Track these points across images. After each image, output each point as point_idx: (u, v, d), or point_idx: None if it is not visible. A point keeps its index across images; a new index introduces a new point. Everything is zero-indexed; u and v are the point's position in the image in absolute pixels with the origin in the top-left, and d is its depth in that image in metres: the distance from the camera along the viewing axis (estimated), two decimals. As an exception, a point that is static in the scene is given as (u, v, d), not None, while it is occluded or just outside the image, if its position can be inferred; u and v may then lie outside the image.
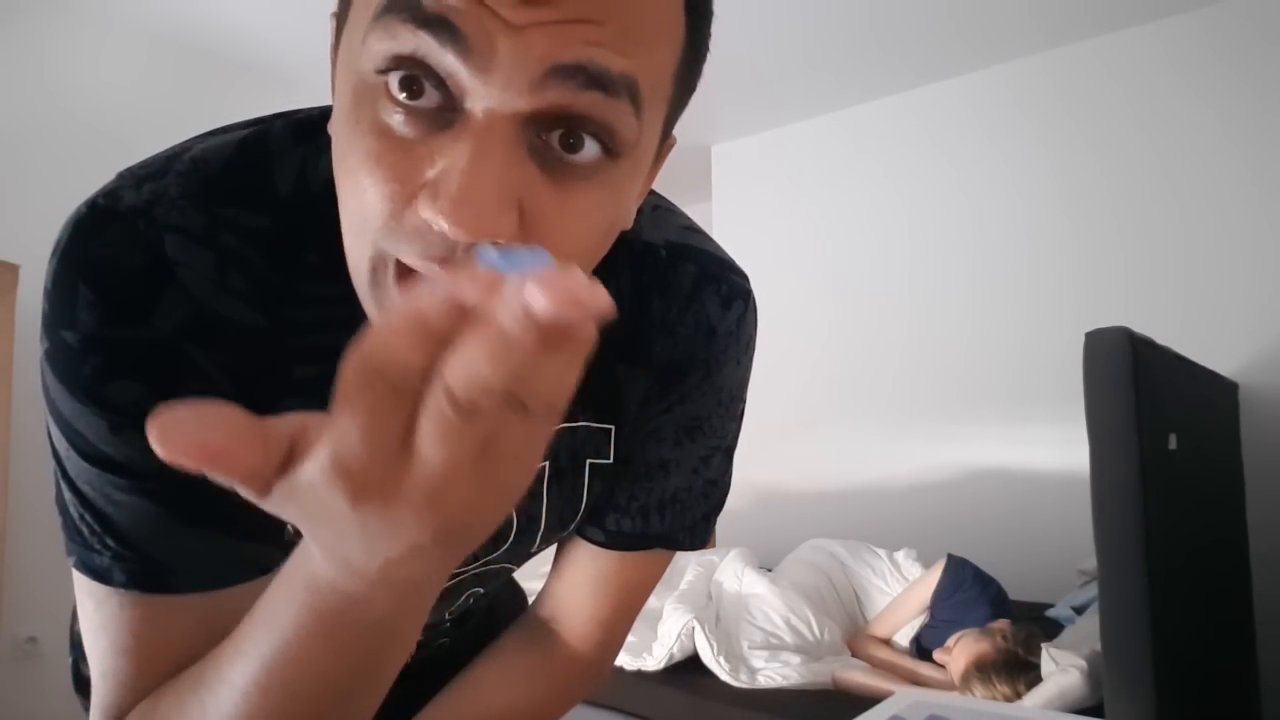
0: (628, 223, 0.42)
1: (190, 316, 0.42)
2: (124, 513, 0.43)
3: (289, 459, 0.26)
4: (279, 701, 0.36)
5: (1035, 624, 2.08)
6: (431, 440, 0.24)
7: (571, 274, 0.23)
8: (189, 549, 0.44)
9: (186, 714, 0.40)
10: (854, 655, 2.27)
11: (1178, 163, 2.72)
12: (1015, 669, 1.78)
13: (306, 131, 0.46)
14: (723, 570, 2.53)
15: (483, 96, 0.32)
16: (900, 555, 2.50)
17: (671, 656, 2.17)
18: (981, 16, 2.80)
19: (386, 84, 0.33)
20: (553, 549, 0.66)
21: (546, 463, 0.55)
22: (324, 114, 0.46)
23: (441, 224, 0.32)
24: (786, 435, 3.45)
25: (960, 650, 1.93)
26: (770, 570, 2.55)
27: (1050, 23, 2.83)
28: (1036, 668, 1.75)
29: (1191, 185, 2.69)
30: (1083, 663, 1.64)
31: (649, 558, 0.63)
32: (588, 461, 0.57)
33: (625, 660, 2.19)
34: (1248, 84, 2.62)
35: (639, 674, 2.17)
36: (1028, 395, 2.93)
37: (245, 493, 0.26)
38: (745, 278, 0.59)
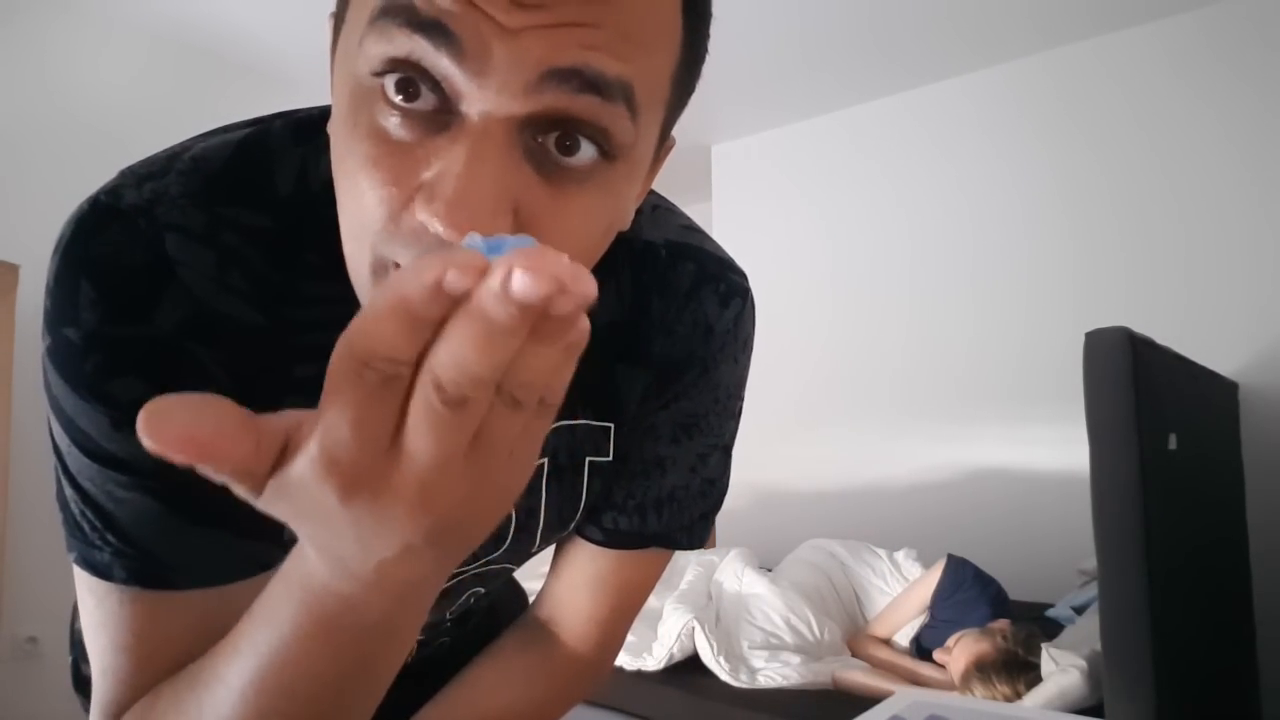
0: (626, 224, 0.42)
1: (191, 315, 0.42)
2: (125, 509, 0.43)
3: (282, 456, 0.26)
4: (276, 702, 0.36)
5: (1035, 624, 2.08)
6: (420, 433, 0.24)
7: (555, 255, 0.22)
8: (189, 546, 0.44)
9: (184, 712, 0.40)
10: (854, 655, 2.27)
11: (1177, 163, 2.72)
12: (1015, 669, 1.78)
13: (306, 131, 0.46)
14: (723, 570, 2.53)
15: (478, 100, 0.32)
16: (900, 555, 2.50)
17: (671, 656, 2.17)
18: (981, 17, 2.80)
19: (383, 86, 0.34)
20: (552, 549, 0.66)
21: (545, 460, 0.55)
22: (324, 114, 0.46)
23: (437, 226, 0.32)
24: (786, 435, 3.45)
25: (960, 650, 1.93)
26: (770, 570, 2.55)
27: (1050, 23, 2.83)
28: (1036, 668, 1.75)
29: (1191, 185, 2.69)
30: (1083, 663, 1.64)
31: (647, 557, 0.63)
32: (587, 459, 0.57)
33: (625, 660, 2.19)
34: (1247, 84, 2.62)
35: (639, 674, 2.17)
36: (1028, 395, 2.93)
37: (237, 489, 0.26)
38: (744, 276, 0.59)
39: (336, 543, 0.28)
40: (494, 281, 0.22)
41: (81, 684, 0.65)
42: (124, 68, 2.81)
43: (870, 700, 1.60)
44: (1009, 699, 1.74)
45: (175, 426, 0.24)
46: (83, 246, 0.41)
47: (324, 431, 0.25)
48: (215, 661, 0.39)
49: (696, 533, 0.63)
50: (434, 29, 0.32)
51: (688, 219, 0.59)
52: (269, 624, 0.35)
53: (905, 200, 3.32)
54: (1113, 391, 1.38)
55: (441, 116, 0.34)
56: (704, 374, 0.58)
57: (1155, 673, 1.32)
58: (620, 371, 0.55)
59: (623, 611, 0.64)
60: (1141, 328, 1.47)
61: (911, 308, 3.26)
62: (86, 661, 0.64)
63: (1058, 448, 2.80)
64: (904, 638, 2.31)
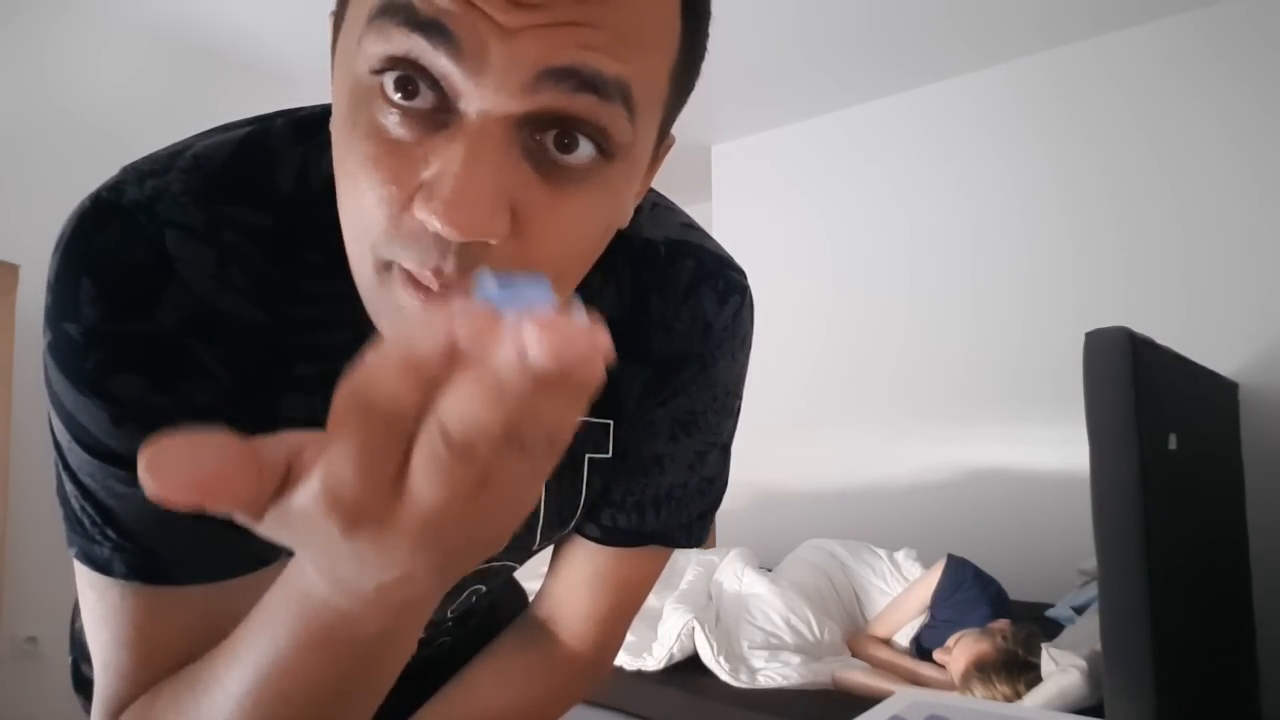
0: (625, 222, 0.42)
1: (191, 312, 0.42)
2: (125, 505, 0.43)
3: (283, 483, 0.25)
4: (274, 710, 0.36)
5: (1035, 624, 2.08)
6: (425, 477, 0.24)
7: (571, 317, 0.22)
8: (189, 541, 0.44)
9: (183, 714, 0.40)
10: (854, 655, 2.27)
11: (1177, 163, 2.72)
12: (1015, 669, 1.78)
13: (307, 129, 0.47)
14: (723, 570, 2.53)
15: (476, 98, 0.33)
16: (900, 555, 2.50)
17: (671, 656, 2.17)
18: (981, 16, 2.80)
19: (382, 85, 0.34)
20: (552, 548, 0.66)
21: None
22: (325, 112, 0.46)
23: (435, 225, 0.32)
24: (786, 435, 3.46)
25: (960, 650, 1.93)
26: (770, 570, 2.55)
27: (1050, 23, 2.83)
28: (1036, 668, 1.75)
29: (1191, 185, 2.70)
30: (1083, 663, 1.64)
31: (646, 555, 0.63)
32: (587, 456, 0.57)
33: (625, 660, 2.19)
34: (1247, 84, 2.62)
35: (639, 674, 2.17)
36: (1027, 395, 2.93)
37: (237, 518, 0.26)
38: (743, 274, 0.59)
39: (336, 566, 0.28)
40: (508, 348, 0.22)
41: (82, 684, 0.65)
42: (124, 67, 2.81)
43: (870, 700, 1.60)
44: (1009, 699, 1.74)
45: (178, 472, 0.23)
46: (84, 243, 0.41)
47: (328, 469, 0.24)
48: (215, 666, 0.39)
49: (695, 531, 0.63)
50: (432, 28, 0.32)
51: (687, 217, 0.59)
52: (268, 633, 0.35)
53: (905, 200, 3.32)
54: (1113, 391, 1.38)
55: (440, 115, 0.34)
56: (702, 371, 0.58)
57: (1155, 673, 1.32)
58: (620, 369, 0.55)
59: (622, 610, 0.64)
60: (1141, 328, 1.47)
61: (911, 308, 3.26)
62: (87, 661, 0.64)
63: (1058, 448, 2.80)
64: (904, 638, 2.31)
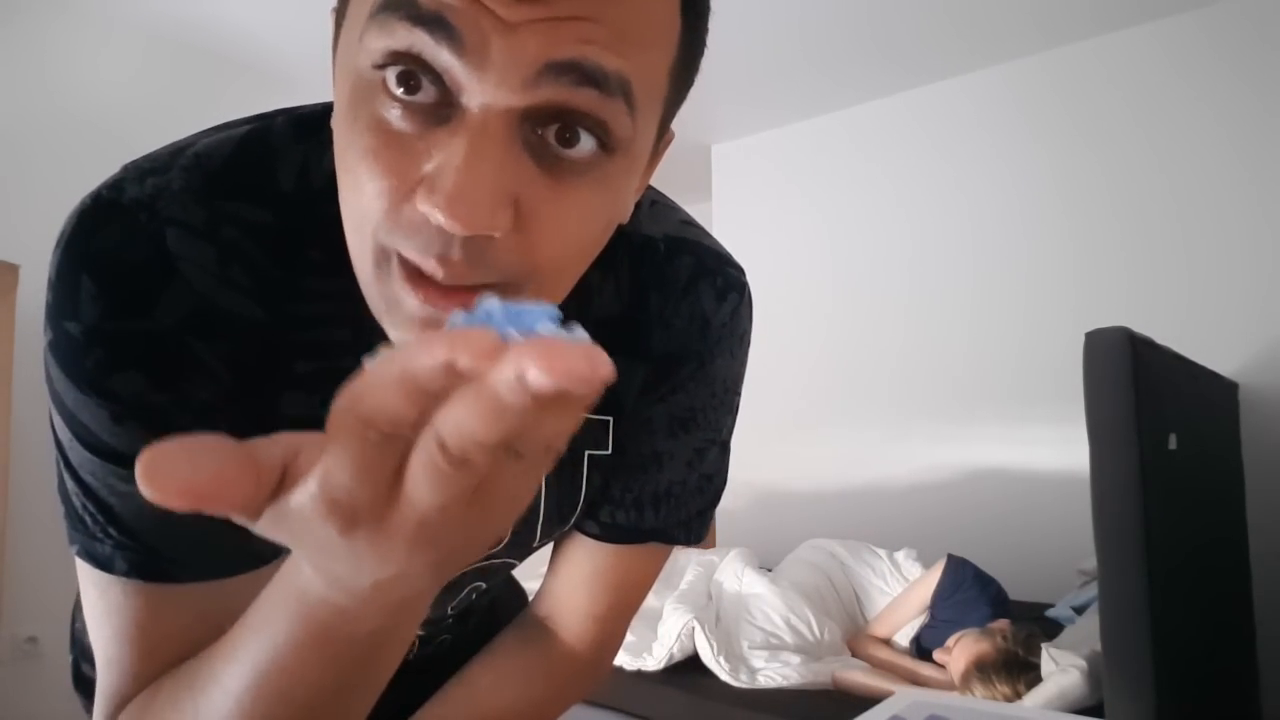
0: (625, 217, 0.42)
1: (192, 310, 0.42)
2: (126, 503, 0.43)
3: (280, 484, 0.26)
4: (272, 707, 0.36)
5: (1035, 624, 2.08)
6: (422, 484, 0.24)
7: (571, 344, 0.22)
8: (190, 539, 0.44)
9: (181, 712, 0.40)
10: (854, 655, 2.27)
11: (1177, 163, 2.72)
12: (1015, 669, 1.78)
13: (309, 127, 0.47)
14: (723, 570, 2.53)
15: (478, 93, 0.33)
16: (900, 555, 2.50)
17: (671, 656, 2.17)
18: (981, 16, 2.80)
19: (384, 79, 0.34)
20: (551, 547, 0.66)
21: None
22: (326, 110, 0.46)
23: (438, 218, 0.32)
24: (786, 435, 3.46)
25: (960, 650, 1.93)
26: (770, 570, 2.55)
27: (1049, 23, 2.83)
28: (1036, 668, 1.75)
29: (1191, 185, 2.70)
30: (1083, 663, 1.64)
31: (645, 553, 0.62)
32: (586, 453, 0.57)
33: (625, 660, 2.19)
34: (1247, 84, 2.62)
35: (639, 674, 2.17)
36: (1027, 395, 2.93)
37: (236, 519, 0.26)
38: (741, 271, 0.59)
39: (333, 565, 0.28)
40: (507, 372, 0.22)
41: (82, 684, 0.65)
42: (123, 67, 2.81)
43: (870, 700, 1.60)
44: (1009, 699, 1.74)
45: (176, 477, 0.23)
46: (84, 241, 0.41)
47: (325, 472, 0.25)
48: (213, 664, 0.39)
49: (694, 529, 0.63)
50: (435, 22, 0.32)
51: (686, 214, 0.59)
52: (265, 631, 0.35)
53: (905, 200, 3.32)
54: (1113, 391, 1.38)
55: (442, 110, 0.34)
56: (701, 368, 0.58)
57: (1155, 673, 1.32)
58: (619, 365, 0.55)
59: (621, 608, 0.64)
60: (1141, 328, 1.47)
61: (911, 308, 3.26)
62: (87, 661, 0.64)
63: (1058, 448, 2.80)
64: (904, 638, 2.31)
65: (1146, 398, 1.39)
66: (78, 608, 0.67)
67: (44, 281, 0.43)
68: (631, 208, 0.43)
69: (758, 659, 2.13)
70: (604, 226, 0.40)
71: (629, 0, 0.34)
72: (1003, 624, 2.02)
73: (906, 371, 3.24)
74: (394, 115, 0.34)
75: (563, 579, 0.64)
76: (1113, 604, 1.37)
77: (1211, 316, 2.60)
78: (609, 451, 0.58)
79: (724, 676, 2.08)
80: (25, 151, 2.58)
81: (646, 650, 2.21)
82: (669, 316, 0.55)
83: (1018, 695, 1.74)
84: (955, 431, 3.10)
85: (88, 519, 0.44)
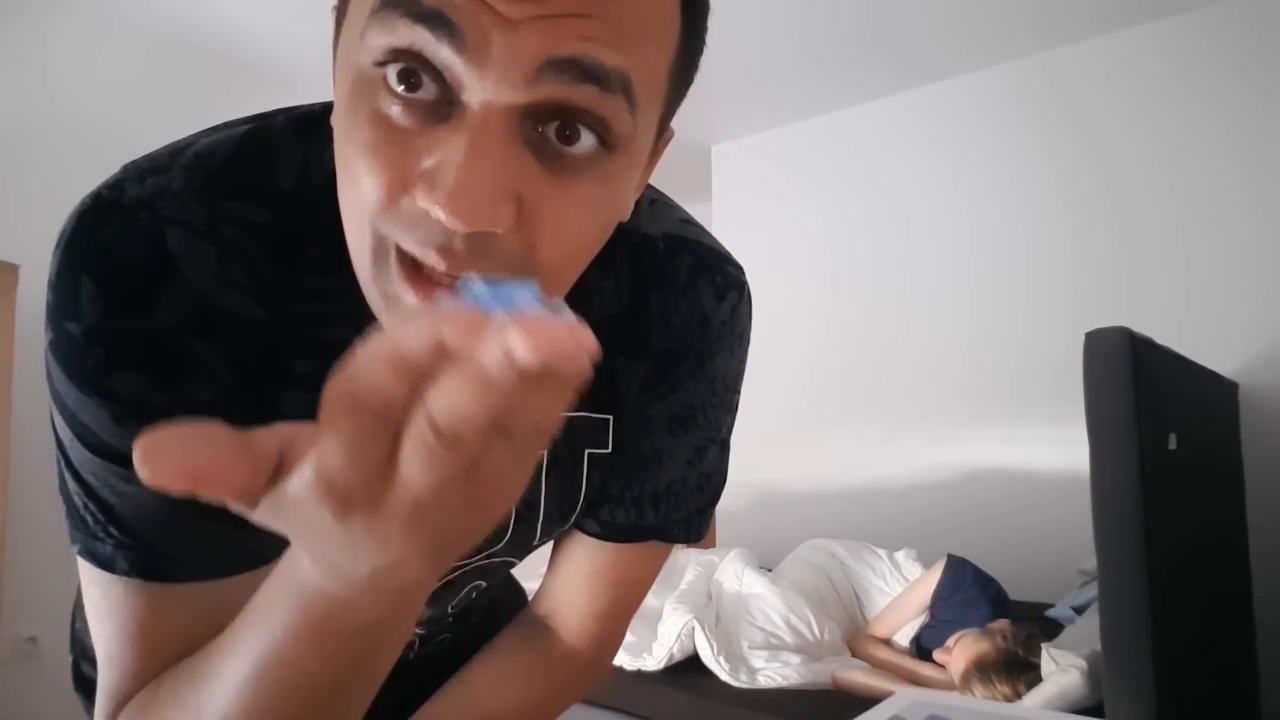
0: (625, 215, 0.42)
1: (192, 309, 0.42)
2: (127, 503, 0.43)
3: (276, 472, 0.26)
4: (272, 699, 0.36)
5: (1035, 624, 2.08)
6: (415, 464, 0.25)
7: (555, 319, 0.23)
8: (191, 539, 0.44)
9: (183, 706, 0.40)
10: (854, 655, 2.27)
11: (1177, 163, 2.72)
12: (1015, 669, 1.78)
13: (308, 126, 0.47)
14: (723, 570, 2.53)
15: (479, 90, 0.33)
16: (900, 555, 2.50)
17: (671, 656, 2.17)
18: (980, 17, 2.80)
19: (384, 76, 0.34)
20: (551, 546, 0.66)
21: (544, 452, 0.55)
22: (326, 109, 0.46)
23: (439, 215, 0.32)
24: (786, 435, 3.46)
25: (960, 650, 1.93)
26: (770, 570, 2.55)
27: (1049, 23, 2.83)
28: (1036, 668, 1.75)
29: (1191, 185, 2.70)
30: (1083, 663, 1.64)
31: (645, 552, 0.63)
32: (586, 451, 0.57)
33: (625, 660, 2.19)
34: (1246, 84, 2.62)
35: (639, 674, 2.17)
36: (1027, 395, 2.93)
37: (233, 506, 0.26)
38: (741, 270, 0.59)
39: (330, 552, 0.28)
40: (495, 347, 0.22)
41: (82, 683, 0.65)
42: (123, 67, 2.81)
43: (870, 700, 1.60)
44: (1009, 699, 1.74)
45: (171, 460, 0.24)
46: (84, 241, 0.41)
47: (320, 457, 0.25)
48: (213, 658, 0.39)
49: (694, 527, 0.63)
50: (436, 19, 0.32)
51: (685, 213, 0.60)
52: (264, 623, 0.35)
53: (905, 200, 3.32)
54: (1113, 391, 1.38)
55: (443, 107, 0.34)
56: (700, 366, 0.58)
57: (1155, 673, 1.32)
58: (619, 364, 0.55)
59: (621, 607, 0.64)
60: (1141, 328, 1.47)
61: (911, 308, 3.26)
62: (87, 661, 0.65)
63: (1058, 448, 2.80)
64: (904, 638, 2.31)
65: (1146, 398, 1.39)
66: (78, 608, 0.67)
67: (44, 281, 0.43)
68: (632, 205, 0.43)
69: (758, 659, 2.13)
70: (605, 223, 0.40)
71: None
72: (1003, 624, 2.02)
73: (906, 371, 3.24)
74: (394, 111, 0.34)
75: (563, 578, 0.64)
76: (1113, 604, 1.37)
77: (1211, 316, 2.60)
78: (609, 450, 0.58)
79: (724, 676, 2.08)
80: (25, 151, 2.58)
81: (646, 650, 2.21)
82: (669, 314, 0.56)
83: (1018, 695, 1.74)
84: (955, 431, 3.10)
85: (89, 519, 0.44)
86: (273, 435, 0.26)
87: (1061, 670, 1.66)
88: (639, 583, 0.64)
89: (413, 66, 0.33)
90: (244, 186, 0.44)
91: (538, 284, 0.27)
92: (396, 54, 0.33)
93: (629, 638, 2.18)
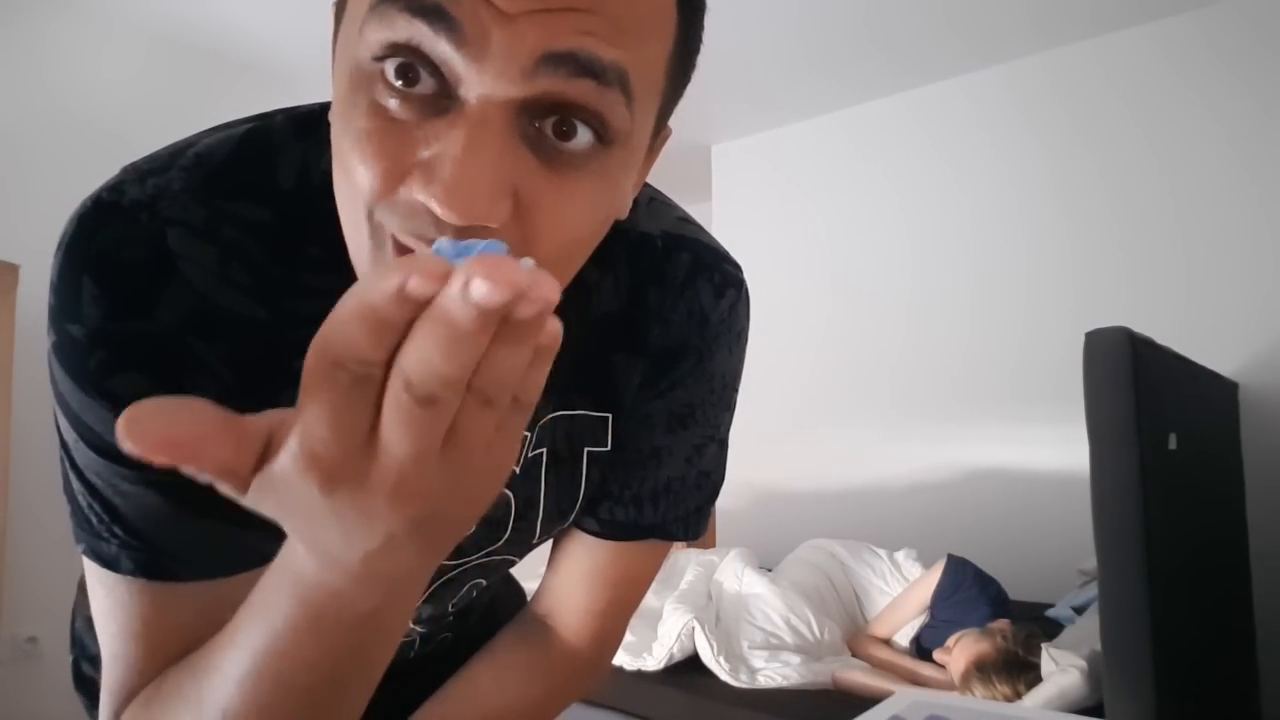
0: (623, 212, 0.42)
1: (193, 309, 0.42)
2: (131, 503, 0.43)
3: (265, 454, 0.26)
4: (272, 692, 0.37)
5: (1035, 624, 2.08)
6: (394, 428, 0.25)
7: (514, 263, 0.23)
8: (194, 539, 0.44)
9: (186, 700, 0.41)
10: (854, 655, 2.27)
11: (1176, 163, 2.72)
12: (1015, 669, 1.78)
13: (308, 126, 0.47)
14: (722, 570, 2.53)
15: (476, 84, 0.33)
16: (900, 555, 2.51)
17: (671, 656, 2.17)
18: (980, 17, 2.80)
19: (383, 70, 0.34)
20: (551, 545, 0.66)
21: (544, 450, 0.56)
22: (326, 109, 0.46)
23: (436, 208, 0.32)
24: (786, 435, 3.46)
25: (960, 650, 1.93)
26: (770, 570, 2.55)
27: (1049, 23, 2.84)
28: (1036, 668, 1.75)
29: (1190, 185, 2.70)
30: (1083, 663, 1.64)
31: (644, 550, 0.63)
32: (585, 449, 0.57)
33: (625, 660, 2.19)
34: (1246, 84, 2.62)
35: (639, 674, 2.17)
36: (1027, 395, 2.93)
37: (222, 488, 0.27)
38: (739, 268, 0.60)
39: (322, 535, 0.29)
40: (454, 288, 0.23)
41: (83, 683, 0.66)
42: (124, 66, 2.81)
43: (870, 700, 1.61)
44: (1009, 699, 1.74)
45: (153, 430, 0.24)
46: (85, 243, 0.41)
47: (303, 429, 0.26)
48: (214, 652, 0.40)
49: (693, 525, 0.64)
50: (434, 14, 0.32)
51: (684, 212, 0.60)
52: (263, 617, 0.36)
53: (905, 200, 3.32)
54: (1113, 391, 1.38)
55: (441, 101, 0.34)
56: (699, 363, 0.58)
57: (1155, 673, 1.32)
58: (618, 362, 0.55)
59: (620, 605, 0.64)
60: (1141, 328, 1.47)
61: (911, 308, 3.27)
62: (88, 661, 0.65)
63: (1058, 448, 2.80)
64: (904, 638, 2.31)
65: (1146, 398, 1.39)
66: (78, 608, 0.67)
67: (44, 282, 0.43)
68: (630, 201, 0.43)
69: (758, 659, 2.14)
70: (603, 219, 0.40)
71: None
72: (1003, 624, 2.02)
73: (906, 371, 3.25)
74: (392, 104, 0.34)
75: (562, 576, 0.64)
76: (1113, 604, 1.37)
77: (1211, 316, 2.60)
78: (608, 448, 0.58)
79: (724, 676, 2.08)
80: (25, 151, 2.58)
81: (646, 650, 2.21)
82: (667, 312, 0.56)
83: (1018, 695, 1.74)
84: (955, 431, 3.10)
85: (93, 519, 0.44)
86: (262, 419, 0.27)
87: (1061, 670, 1.66)
88: (638, 581, 0.65)
89: (411, 61, 0.33)
90: (244, 186, 0.44)
91: (503, 244, 0.28)
92: (395, 48, 0.33)
93: (629, 638, 2.18)
